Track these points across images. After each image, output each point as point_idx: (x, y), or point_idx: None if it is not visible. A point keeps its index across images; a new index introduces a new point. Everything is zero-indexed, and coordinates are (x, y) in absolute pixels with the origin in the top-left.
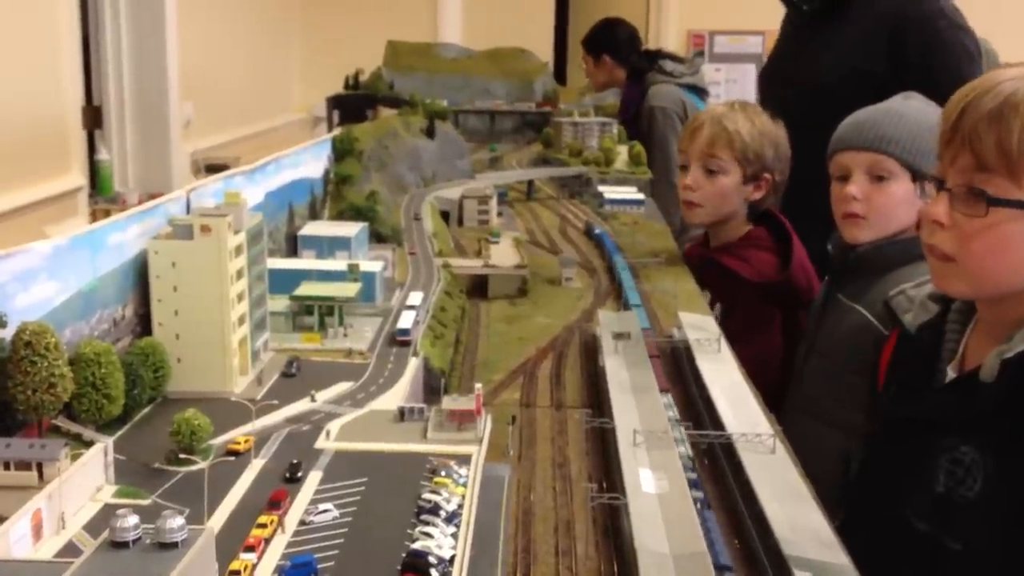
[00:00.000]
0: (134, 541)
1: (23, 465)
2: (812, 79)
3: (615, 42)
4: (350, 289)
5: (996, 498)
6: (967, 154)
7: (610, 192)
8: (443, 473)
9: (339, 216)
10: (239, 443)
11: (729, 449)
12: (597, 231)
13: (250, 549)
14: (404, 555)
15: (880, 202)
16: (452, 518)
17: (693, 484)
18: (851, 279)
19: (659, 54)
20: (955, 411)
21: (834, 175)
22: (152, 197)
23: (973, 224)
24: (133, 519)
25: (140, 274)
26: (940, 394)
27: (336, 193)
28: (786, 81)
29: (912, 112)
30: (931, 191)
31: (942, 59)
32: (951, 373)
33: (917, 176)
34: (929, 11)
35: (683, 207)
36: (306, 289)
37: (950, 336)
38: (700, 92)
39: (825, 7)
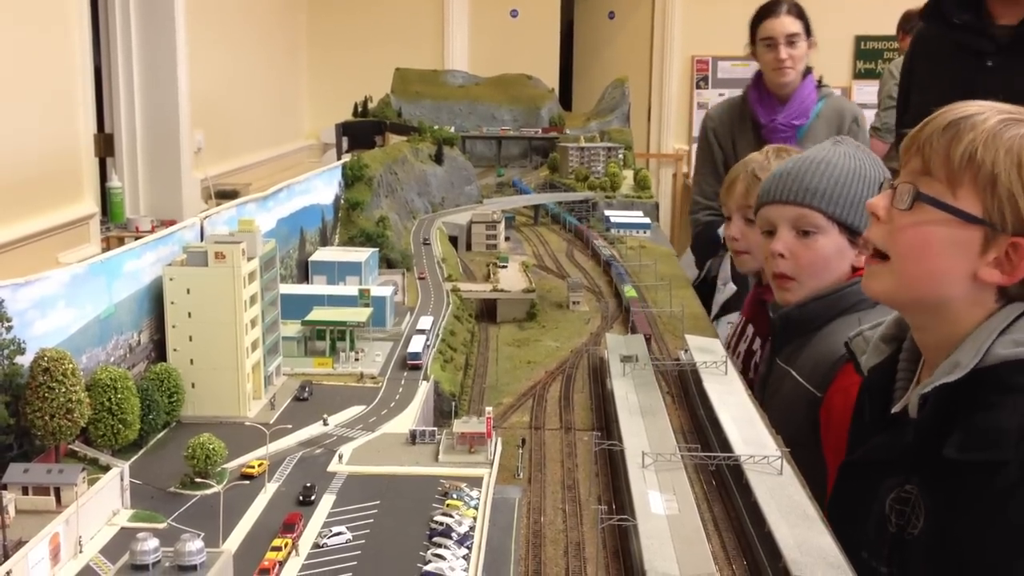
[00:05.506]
0: (154, 564)
1: (41, 490)
2: None
3: None
4: (361, 314)
5: (935, 534)
6: (918, 158)
7: (616, 216)
8: (455, 495)
9: (349, 242)
10: (253, 467)
11: (737, 470)
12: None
13: (265, 572)
14: None
15: (807, 259)
16: (464, 540)
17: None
18: (785, 342)
19: None
20: (887, 449)
21: (761, 230)
22: (163, 224)
23: (903, 219)
24: (153, 542)
25: (155, 300)
26: (880, 434)
27: (346, 219)
28: None
29: (840, 160)
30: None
31: None
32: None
33: (846, 228)
34: None
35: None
36: (318, 314)
37: (901, 376)
38: None
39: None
